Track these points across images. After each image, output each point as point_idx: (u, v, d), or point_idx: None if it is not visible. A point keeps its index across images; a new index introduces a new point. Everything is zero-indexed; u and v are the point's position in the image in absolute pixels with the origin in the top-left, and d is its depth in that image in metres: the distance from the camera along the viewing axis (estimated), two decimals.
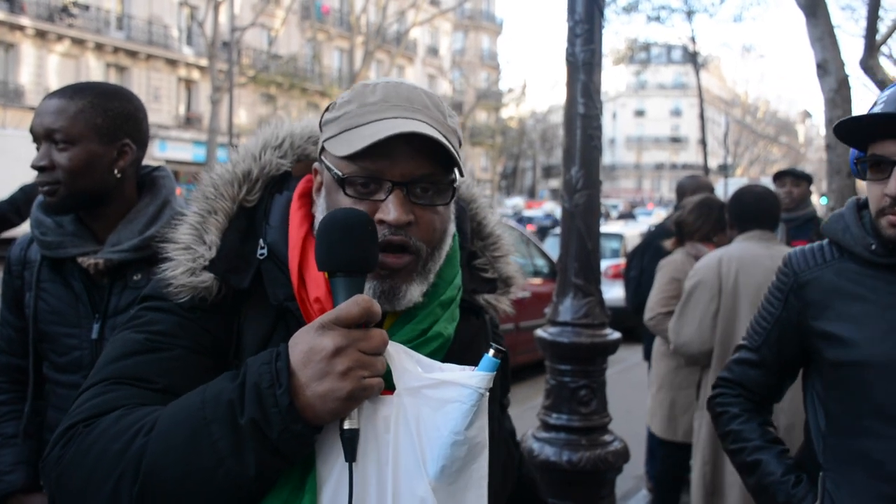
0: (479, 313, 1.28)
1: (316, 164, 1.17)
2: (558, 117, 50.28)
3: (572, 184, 2.97)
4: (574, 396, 2.96)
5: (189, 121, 31.66)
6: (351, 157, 1.06)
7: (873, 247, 1.62)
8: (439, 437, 1.01)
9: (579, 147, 2.96)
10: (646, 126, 74.80)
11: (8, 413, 1.99)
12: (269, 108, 32.98)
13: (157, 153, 27.97)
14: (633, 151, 75.28)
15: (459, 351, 1.15)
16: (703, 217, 4.09)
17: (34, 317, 1.90)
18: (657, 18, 23.96)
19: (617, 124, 73.74)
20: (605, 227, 13.09)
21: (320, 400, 0.94)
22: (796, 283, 1.75)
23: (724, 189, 21.56)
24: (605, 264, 10.77)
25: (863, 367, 1.60)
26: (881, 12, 8.82)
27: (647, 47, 30.44)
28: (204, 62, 29.71)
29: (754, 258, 3.26)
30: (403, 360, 1.04)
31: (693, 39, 27.10)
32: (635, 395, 6.34)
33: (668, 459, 4.27)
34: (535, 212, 29.72)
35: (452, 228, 1.19)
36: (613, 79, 68.80)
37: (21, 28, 26.07)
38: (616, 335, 3.05)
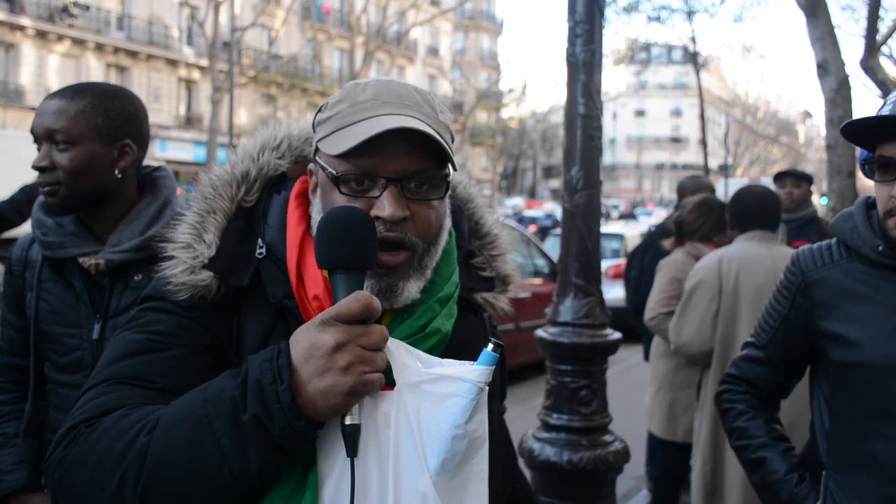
0: (477, 311, 1.29)
1: (311, 165, 1.18)
2: (559, 117, 50.24)
3: (573, 184, 2.97)
4: (574, 397, 2.96)
5: (189, 121, 31.67)
6: (344, 156, 1.07)
7: (880, 248, 1.61)
8: (439, 431, 1.02)
9: (580, 147, 2.97)
10: (646, 126, 74.79)
11: (9, 413, 1.99)
12: (269, 109, 32.98)
13: (158, 153, 27.99)
14: (633, 151, 75.28)
15: (458, 347, 1.15)
16: (704, 217, 4.09)
17: (35, 317, 1.90)
18: (657, 19, 23.99)
19: (617, 124, 73.75)
20: (606, 228, 13.09)
21: (322, 395, 0.94)
22: (804, 282, 1.75)
23: (724, 189, 21.54)
24: (605, 264, 10.77)
25: (868, 369, 1.60)
26: (881, 12, 8.83)
27: (647, 47, 30.48)
28: (204, 62, 29.72)
29: (755, 258, 3.26)
30: (403, 356, 1.05)
31: (693, 39, 27.18)
32: (635, 396, 6.34)
33: (667, 459, 4.27)
34: (535, 212, 29.74)
35: (448, 224, 1.19)
36: (614, 79, 68.87)
37: (21, 28, 26.09)
38: (616, 335, 3.05)
